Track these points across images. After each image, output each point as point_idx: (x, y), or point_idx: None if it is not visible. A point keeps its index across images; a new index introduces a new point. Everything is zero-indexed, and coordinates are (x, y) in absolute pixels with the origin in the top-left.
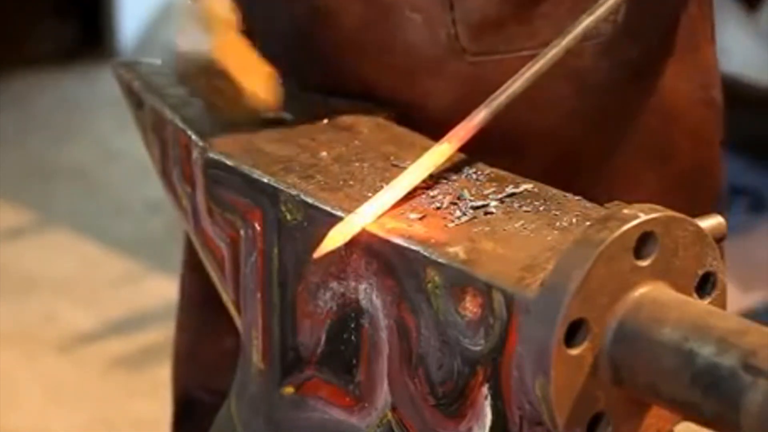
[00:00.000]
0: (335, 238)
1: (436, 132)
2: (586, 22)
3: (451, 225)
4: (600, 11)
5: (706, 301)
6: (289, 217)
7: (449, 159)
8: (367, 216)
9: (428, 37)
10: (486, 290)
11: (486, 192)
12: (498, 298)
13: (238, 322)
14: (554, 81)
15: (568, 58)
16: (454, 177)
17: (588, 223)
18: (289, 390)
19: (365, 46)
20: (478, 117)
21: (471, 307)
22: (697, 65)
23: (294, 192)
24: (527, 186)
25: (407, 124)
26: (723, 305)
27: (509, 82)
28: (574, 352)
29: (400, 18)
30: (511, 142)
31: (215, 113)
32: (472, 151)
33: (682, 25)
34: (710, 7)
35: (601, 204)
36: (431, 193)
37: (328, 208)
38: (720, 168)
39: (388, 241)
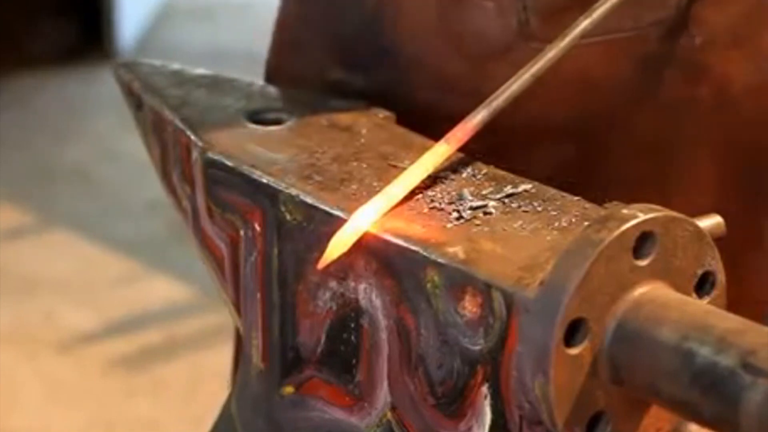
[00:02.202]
0: (338, 246)
1: (501, 117)
2: (584, 24)
3: (450, 225)
4: (597, 13)
5: (705, 301)
6: (288, 217)
7: (448, 159)
8: (366, 219)
9: (499, 24)
10: (485, 290)
11: (485, 192)
12: (497, 298)
13: (238, 322)
14: (620, 64)
15: (632, 43)
16: (453, 177)
17: (587, 223)
18: (289, 390)
19: (434, 35)
20: (477, 118)
21: (470, 306)
22: (754, 51)
23: (293, 192)
24: (526, 186)
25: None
26: (722, 305)
27: (508, 82)
28: (574, 351)
29: (471, 5)
30: (575, 127)
31: None
32: (536, 139)
33: (741, 12)
34: None
35: (654, 194)
36: (430, 194)
37: (327, 208)
38: None
39: (387, 241)
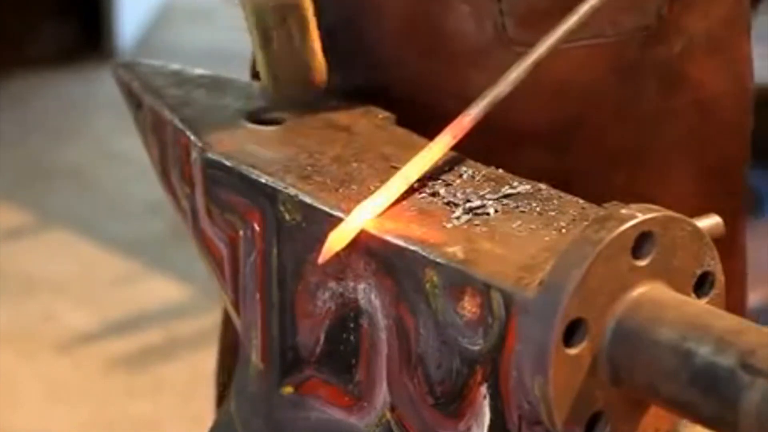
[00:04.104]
0: (337, 240)
1: (485, 121)
2: (572, 20)
3: (448, 225)
4: (582, 12)
5: (704, 301)
6: (288, 217)
7: (447, 161)
8: (366, 215)
9: (475, 28)
10: (484, 290)
11: (483, 192)
12: (496, 298)
13: (237, 322)
14: (600, 70)
15: (614, 49)
16: (451, 177)
17: (586, 223)
18: (288, 390)
19: (411, 36)
20: (472, 114)
21: (469, 306)
22: (731, 57)
23: (293, 192)
24: (524, 186)
25: (451, 114)
26: (721, 305)
27: (500, 79)
28: (573, 351)
29: (448, 8)
30: (556, 136)
31: (272, 64)
32: (515, 146)
33: (719, 18)
34: None
35: (639, 199)
36: (429, 194)
37: (326, 209)
38: (748, 156)
39: (386, 241)
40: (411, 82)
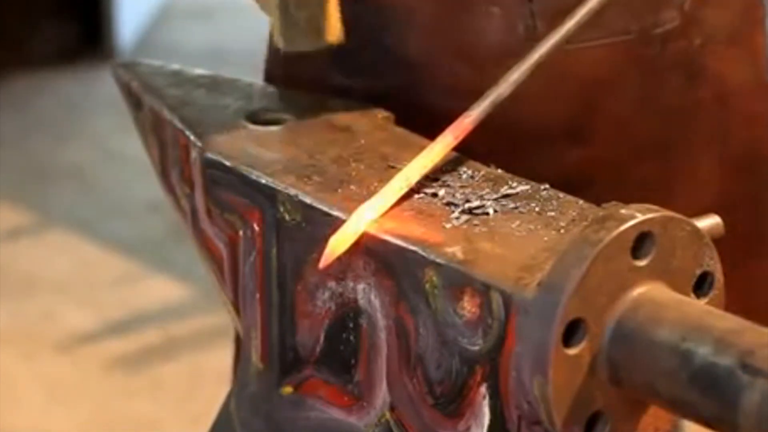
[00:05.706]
0: (338, 245)
1: (506, 117)
2: (578, 17)
3: (448, 225)
4: (585, 10)
5: (703, 301)
6: (287, 217)
7: (446, 160)
8: (367, 218)
9: (506, 30)
10: (484, 290)
11: (482, 193)
12: (496, 298)
13: (237, 323)
14: (623, 66)
15: (637, 45)
16: (451, 178)
17: (585, 223)
18: (288, 390)
19: (441, 41)
20: (473, 116)
21: (469, 307)
22: (749, 49)
23: (292, 192)
24: (523, 186)
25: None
26: (720, 305)
27: (503, 78)
28: (572, 351)
29: (478, 12)
30: (580, 129)
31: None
32: (539, 141)
33: (737, 11)
34: None
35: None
36: (429, 194)
37: (326, 209)
38: None
39: (386, 242)
40: (441, 87)
